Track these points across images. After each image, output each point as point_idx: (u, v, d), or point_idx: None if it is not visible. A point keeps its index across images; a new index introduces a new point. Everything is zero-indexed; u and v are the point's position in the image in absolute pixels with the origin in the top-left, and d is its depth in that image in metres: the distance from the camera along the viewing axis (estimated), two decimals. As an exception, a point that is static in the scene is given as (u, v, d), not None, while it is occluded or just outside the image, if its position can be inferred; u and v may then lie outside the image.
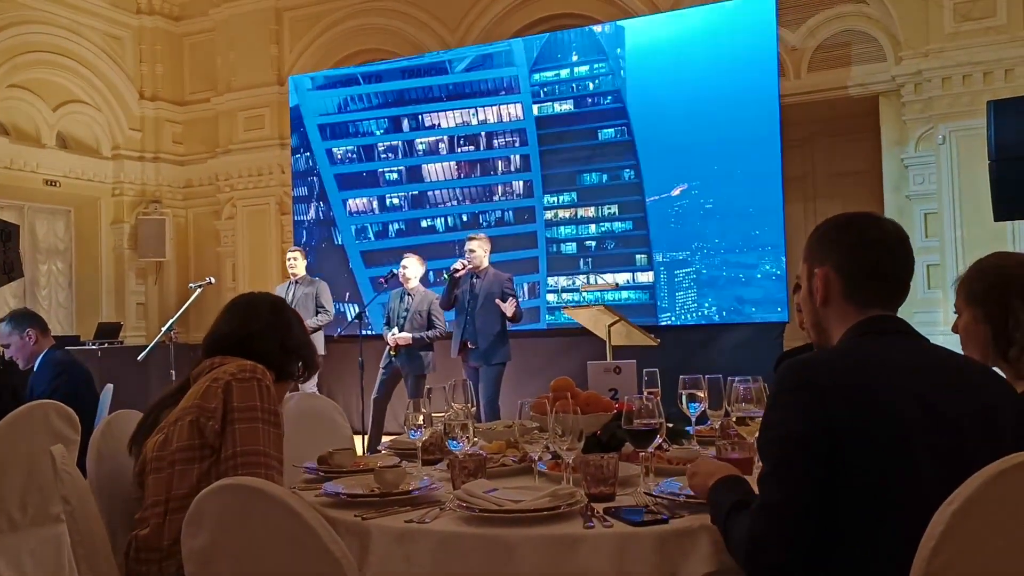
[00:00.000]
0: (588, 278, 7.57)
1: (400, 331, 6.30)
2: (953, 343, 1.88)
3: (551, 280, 7.81)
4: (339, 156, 8.91)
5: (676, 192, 7.25)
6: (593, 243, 7.64)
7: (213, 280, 7.12)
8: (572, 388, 2.32)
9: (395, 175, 8.62)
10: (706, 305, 7.21)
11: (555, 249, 7.83)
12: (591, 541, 1.62)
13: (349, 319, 7.33)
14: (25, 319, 4.26)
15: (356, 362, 6.57)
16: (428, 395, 2.36)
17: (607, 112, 7.70)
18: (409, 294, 6.42)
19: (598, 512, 1.75)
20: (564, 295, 7.69)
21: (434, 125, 8.45)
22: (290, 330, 2.19)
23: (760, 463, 1.54)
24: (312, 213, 9.02)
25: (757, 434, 1.59)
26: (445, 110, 8.38)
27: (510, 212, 7.99)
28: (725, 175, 7.21)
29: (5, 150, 8.83)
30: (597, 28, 7.82)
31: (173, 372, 6.64)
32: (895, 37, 7.10)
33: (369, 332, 7.23)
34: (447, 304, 6.16)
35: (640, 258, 7.46)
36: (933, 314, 6.66)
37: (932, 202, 6.90)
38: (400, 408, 6.96)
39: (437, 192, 8.37)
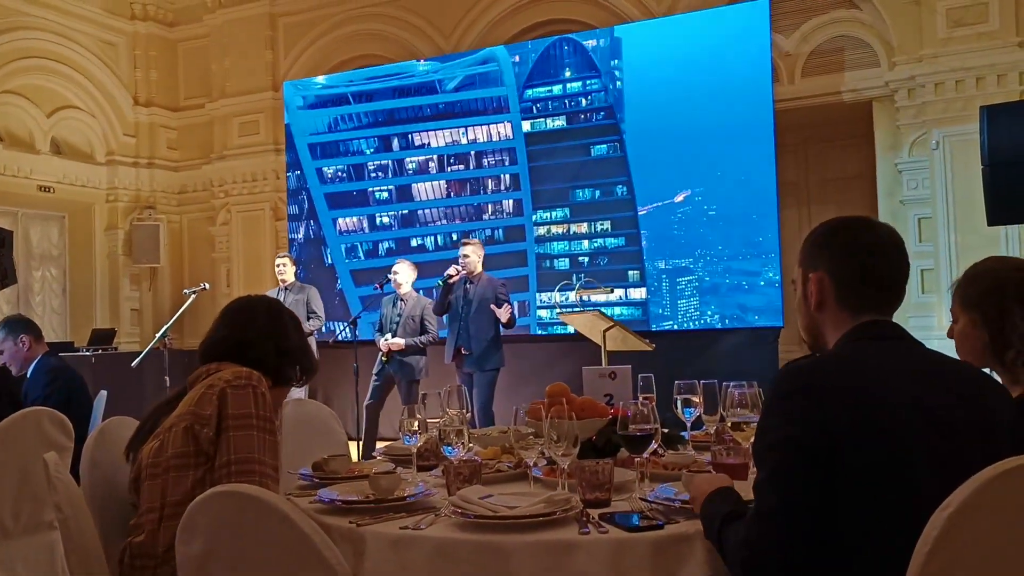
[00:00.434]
0: (576, 288, 7.58)
1: (393, 337, 6.29)
2: (948, 348, 1.88)
3: (545, 296, 7.83)
4: (329, 175, 8.95)
5: (679, 198, 7.26)
6: (586, 259, 7.65)
7: (208, 286, 7.11)
8: (567, 393, 2.32)
9: (385, 194, 8.66)
10: (708, 313, 7.22)
11: (548, 264, 7.85)
12: (586, 547, 1.62)
13: (339, 339, 7.33)
14: (19, 325, 4.25)
15: (351, 368, 6.56)
16: (423, 401, 2.35)
17: (600, 128, 7.73)
18: (401, 299, 6.41)
19: (593, 518, 1.74)
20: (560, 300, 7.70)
21: (424, 144, 8.49)
22: (286, 335, 2.18)
23: (755, 469, 1.54)
24: (302, 232, 9.03)
25: (752, 439, 1.58)
26: (435, 129, 8.41)
27: (500, 231, 8.01)
28: (719, 181, 7.22)
29: (-1, 156, 8.82)
30: (591, 42, 7.82)
31: (167, 378, 6.61)
32: (888, 43, 7.13)
33: (363, 338, 7.22)
34: (441, 310, 6.15)
35: (632, 274, 7.47)
36: (928, 319, 6.68)
37: (926, 207, 6.92)
38: (394, 414, 6.95)
39: (427, 211, 8.41)
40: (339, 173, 8.89)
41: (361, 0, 9.23)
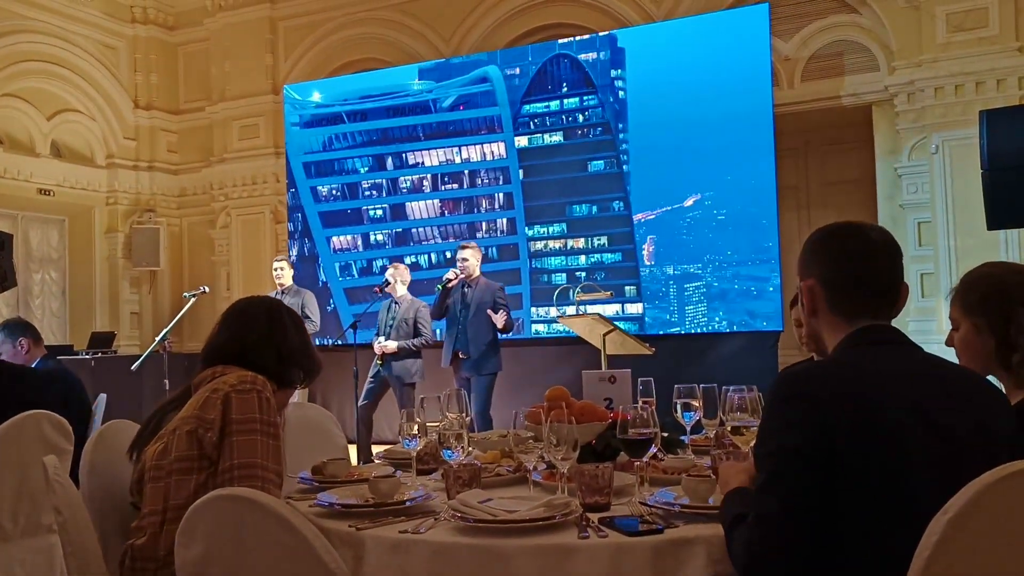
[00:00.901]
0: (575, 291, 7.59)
1: (387, 339, 6.30)
2: (948, 352, 1.88)
3: (542, 311, 7.86)
4: (323, 194, 8.99)
5: (689, 203, 7.26)
6: (583, 274, 7.66)
7: (207, 289, 7.11)
8: (567, 398, 2.32)
9: (379, 212, 8.70)
10: (716, 319, 7.20)
11: (546, 279, 7.87)
12: (586, 551, 1.62)
13: (339, 342, 7.33)
14: (18, 328, 4.25)
15: (350, 371, 6.56)
16: (422, 405, 2.35)
17: (597, 144, 7.76)
18: (396, 302, 6.42)
19: (593, 522, 1.74)
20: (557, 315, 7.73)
21: (418, 163, 8.53)
22: (286, 338, 2.16)
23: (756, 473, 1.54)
24: (296, 250, 9.05)
25: (752, 444, 1.59)
26: (429, 148, 8.45)
27: (494, 249, 8.02)
28: (719, 185, 7.23)
29: (-1, 159, 8.83)
30: (591, 55, 7.82)
31: (167, 382, 6.61)
32: (888, 47, 7.14)
33: (362, 341, 7.22)
34: (439, 314, 6.13)
35: (629, 289, 7.47)
36: (928, 323, 6.68)
37: (925, 211, 6.93)
38: (392, 417, 6.95)
39: (421, 229, 8.44)
40: (333, 191, 8.94)
41: (361, 4, 9.24)
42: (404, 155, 8.58)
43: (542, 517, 1.72)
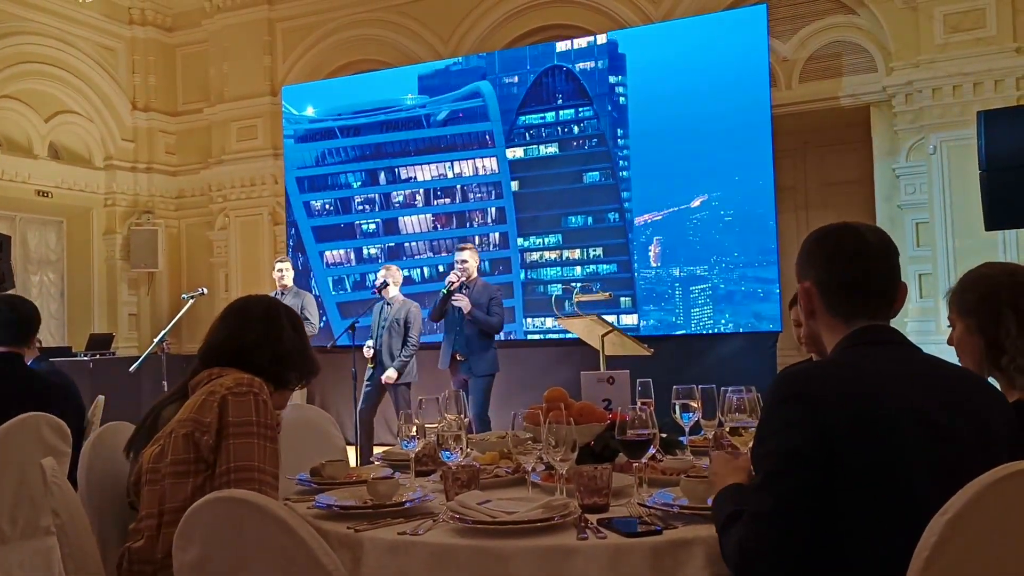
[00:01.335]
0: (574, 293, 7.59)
1: (379, 340, 6.34)
2: (947, 352, 1.88)
3: (537, 321, 7.91)
4: (316, 208, 9.01)
5: (691, 205, 7.25)
6: (578, 285, 7.64)
7: (206, 291, 7.10)
8: (565, 399, 2.32)
9: (372, 226, 8.72)
10: (723, 321, 7.19)
11: (542, 290, 7.89)
12: (585, 552, 1.62)
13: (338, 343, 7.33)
14: None
15: (349, 373, 6.57)
16: (421, 406, 2.35)
17: (592, 155, 7.77)
18: (388, 303, 6.44)
19: (592, 523, 1.74)
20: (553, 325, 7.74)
21: (410, 178, 8.56)
22: (281, 339, 2.14)
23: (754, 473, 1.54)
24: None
25: (751, 444, 1.59)
26: (421, 163, 8.48)
27: (486, 263, 8.02)
28: (719, 187, 7.23)
29: (-3, 161, 8.82)
30: (589, 64, 7.82)
31: (165, 383, 6.60)
32: (886, 48, 7.14)
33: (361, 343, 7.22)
34: (438, 317, 6.12)
35: (625, 300, 7.47)
36: (927, 323, 6.69)
37: (923, 212, 6.93)
38: (391, 419, 6.95)
39: (414, 244, 8.46)
40: (326, 206, 8.98)
41: (359, 5, 9.24)
42: (396, 170, 8.63)
43: (541, 518, 1.72)
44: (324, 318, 8.69)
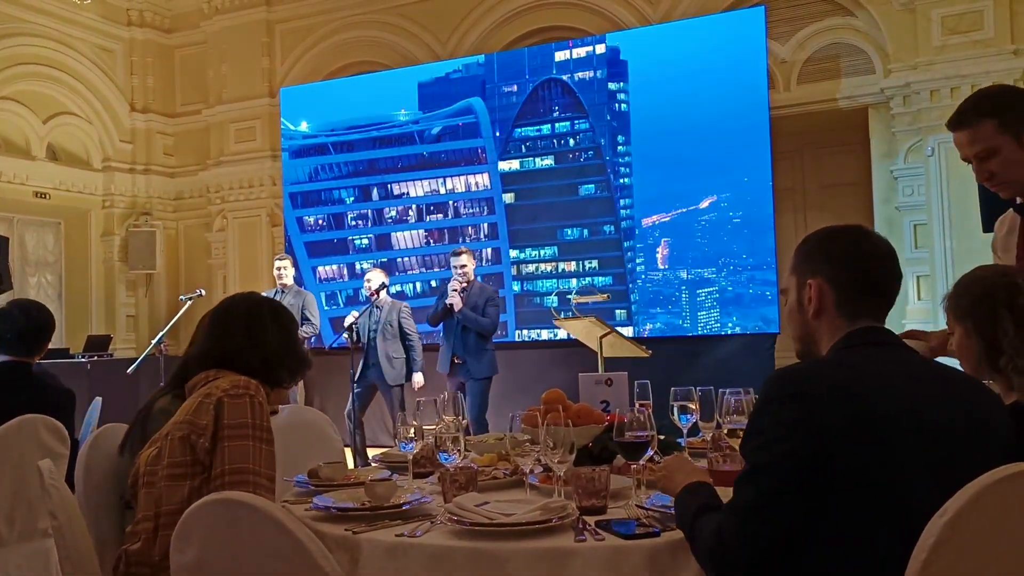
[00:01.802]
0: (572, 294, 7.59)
1: (372, 344, 6.29)
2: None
3: (533, 333, 7.94)
4: (310, 224, 9.03)
5: (705, 204, 7.24)
6: (572, 306, 7.66)
7: (204, 292, 7.09)
8: (563, 400, 2.32)
9: (365, 242, 8.74)
10: (730, 324, 7.17)
11: (537, 301, 7.91)
12: (583, 554, 1.62)
13: (335, 345, 7.34)
14: None
15: (347, 375, 6.56)
16: (419, 408, 2.35)
17: (588, 168, 7.79)
18: (377, 307, 6.43)
19: (589, 525, 1.74)
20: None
21: (403, 194, 8.59)
22: (266, 342, 2.12)
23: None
24: None
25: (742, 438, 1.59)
26: (414, 179, 8.51)
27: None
28: (715, 189, 7.23)
29: (-6, 162, 8.82)
30: (588, 74, 7.82)
31: (163, 385, 6.59)
32: (884, 50, 7.15)
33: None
34: (437, 322, 6.13)
35: (620, 313, 7.48)
36: (924, 325, 6.67)
37: (921, 213, 6.94)
38: (383, 419, 6.95)
39: (406, 259, 8.48)
40: (319, 222, 9.00)
41: (357, 7, 9.24)
42: (389, 185, 8.67)
43: (538, 520, 1.71)
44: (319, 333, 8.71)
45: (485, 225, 8.17)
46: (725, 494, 1.55)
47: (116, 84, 10.01)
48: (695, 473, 1.71)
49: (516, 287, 8.01)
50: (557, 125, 7.93)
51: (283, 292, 6.92)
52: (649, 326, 7.47)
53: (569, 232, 7.84)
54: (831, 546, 1.41)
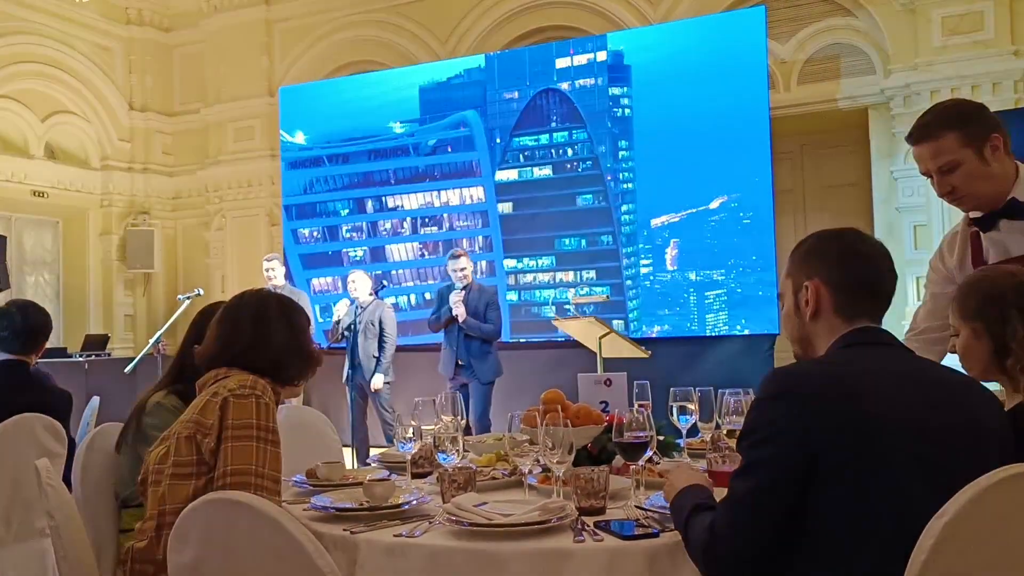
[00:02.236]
0: (577, 291, 7.59)
1: (354, 343, 6.35)
2: (947, 358, 1.88)
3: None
4: (304, 236, 9.04)
5: (715, 204, 7.22)
6: (571, 308, 7.67)
7: (202, 291, 7.08)
8: (562, 400, 2.31)
9: (359, 254, 8.75)
10: (738, 327, 7.15)
11: (535, 311, 7.92)
12: (581, 555, 1.61)
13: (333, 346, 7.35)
14: None
15: (346, 375, 6.57)
16: (417, 408, 2.34)
17: (585, 178, 7.79)
18: (361, 307, 6.46)
19: (588, 526, 1.74)
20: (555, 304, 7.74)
21: (398, 206, 8.61)
22: (272, 342, 2.09)
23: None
24: None
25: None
26: (409, 192, 8.53)
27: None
28: (714, 188, 7.22)
29: (-7, 161, 8.81)
30: (589, 81, 7.81)
31: (158, 382, 6.58)
32: (884, 51, 7.15)
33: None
34: (438, 330, 6.15)
35: (617, 323, 7.45)
36: (922, 326, 6.68)
37: (921, 214, 6.94)
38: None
39: (400, 271, 8.48)
40: (314, 234, 9.02)
41: (357, 6, 9.24)
42: (384, 198, 8.69)
43: (537, 521, 1.71)
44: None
45: (480, 238, 8.18)
46: (723, 495, 1.55)
47: (115, 83, 10.01)
48: (694, 478, 1.72)
49: (513, 297, 7.99)
50: (555, 135, 7.94)
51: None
52: (657, 328, 7.45)
53: (567, 242, 7.86)
54: (824, 546, 1.41)
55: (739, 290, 7.14)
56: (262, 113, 9.64)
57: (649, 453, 2.03)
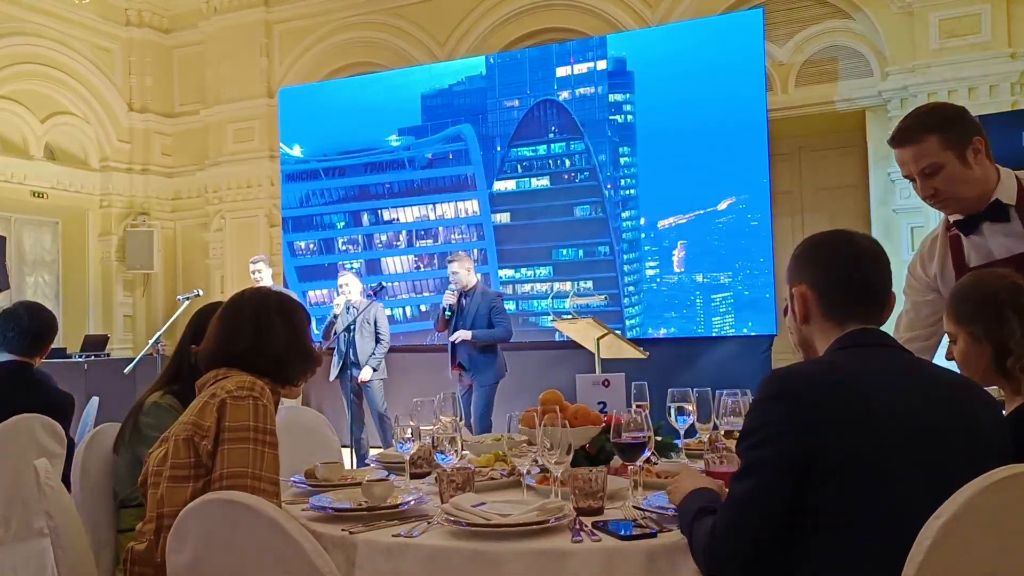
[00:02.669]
0: (570, 295, 7.60)
1: (348, 342, 6.42)
2: (940, 357, 1.88)
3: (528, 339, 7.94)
4: (300, 249, 9.07)
5: (723, 206, 7.21)
6: (567, 303, 7.67)
7: (201, 292, 7.09)
8: (561, 401, 2.32)
9: (355, 267, 8.76)
10: (745, 330, 7.14)
11: (533, 321, 7.95)
12: (579, 555, 1.62)
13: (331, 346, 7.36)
14: None
15: (335, 373, 6.60)
16: (415, 408, 2.35)
17: (583, 189, 7.81)
18: (354, 307, 6.49)
19: (586, 526, 1.74)
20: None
21: (393, 219, 8.64)
22: (272, 342, 2.08)
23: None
24: None
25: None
26: (404, 205, 8.57)
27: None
28: (712, 190, 7.23)
29: (-8, 161, 8.80)
30: (590, 90, 7.81)
31: (155, 382, 6.58)
32: (881, 53, 7.16)
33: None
34: (442, 329, 6.20)
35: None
36: (920, 327, 6.68)
37: (919, 216, 6.94)
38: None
39: (396, 284, 8.48)
40: (310, 246, 9.04)
41: (356, 8, 9.24)
42: (379, 211, 8.71)
43: (535, 521, 1.71)
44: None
45: (475, 251, 8.18)
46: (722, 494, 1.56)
47: (114, 84, 10.01)
48: (701, 482, 1.73)
49: (511, 306, 7.97)
50: (553, 146, 7.96)
51: None
52: (663, 330, 7.45)
53: (564, 252, 7.88)
54: (822, 546, 1.42)
55: (747, 292, 7.14)
56: (261, 114, 9.64)
57: (647, 454, 2.04)
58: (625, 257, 7.62)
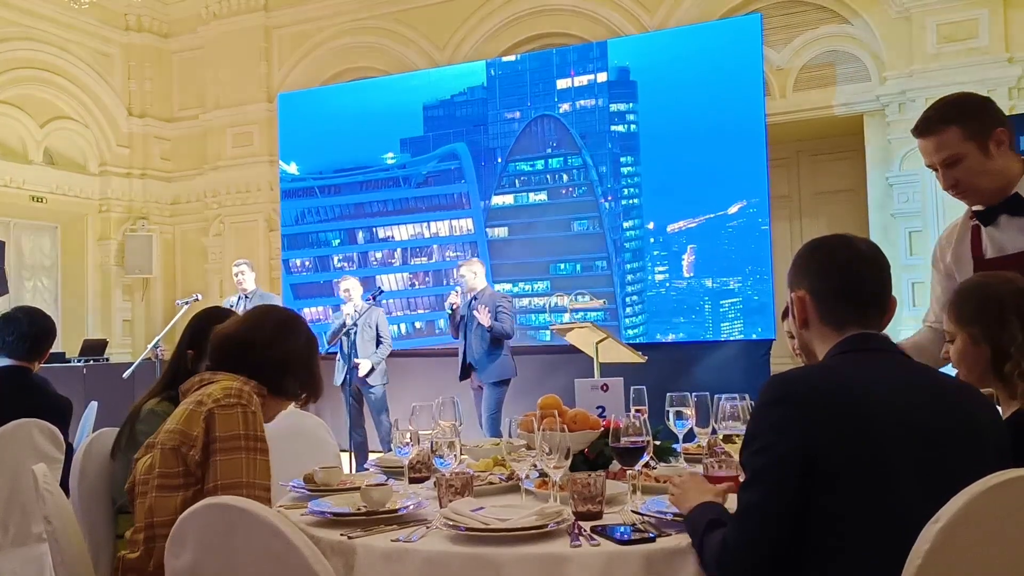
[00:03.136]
0: (575, 297, 7.60)
1: (350, 347, 6.43)
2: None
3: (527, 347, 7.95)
4: (296, 266, 9.11)
5: (733, 209, 7.21)
6: (566, 304, 7.70)
7: (200, 297, 7.08)
8: (559, 406, 2.32)
9: None
10: (754, 335, 7.14)
11: (532, 335, 7.97)
12: (578, 560, 1.62)
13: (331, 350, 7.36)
14: None
15: (342, 378, 6.58)
16: (414, 413, 2.35)
17: (580, 204, 7.84)
18: (357, 311, 6.53)
19: (585, 530, 1.74)
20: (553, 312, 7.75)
21: (388, 237, 8.69)
22: (288, 347, 2.10)
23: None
24: None
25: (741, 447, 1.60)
26: (399, 223, 8.62)
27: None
28: (709, 195, 7.24)
29: (-9, 166, 8.80)
30: (590, 102, 7.82)
31: (152, 388, 6.57)
32: (879, 58, 7.18)
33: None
34: (454, 332, 6.32)
35: None
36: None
37: (917, 220, 6.96)
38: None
39: (391, 301, 8.51)
40: (305, 264, 9.09)
41: (355, 13, 9.26)
42: (375, 229, 8.76)
43: (534, 526, 1.71)
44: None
45: None
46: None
47: (113, 89, 10.02)
48: (708, 492, 1.73)
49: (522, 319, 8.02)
50: (551, 161, 8.00)
51: (247, 298, 6.79)
52: (672, 336, 7.46)
53: (562, 267, 7.92)
54: (824, 550, 1.42)
55: (756, 297, 7.14)
56: (261, 119, 9.65)
57: (646, 458, 2.04)
58: (628, 267, 7.62)
